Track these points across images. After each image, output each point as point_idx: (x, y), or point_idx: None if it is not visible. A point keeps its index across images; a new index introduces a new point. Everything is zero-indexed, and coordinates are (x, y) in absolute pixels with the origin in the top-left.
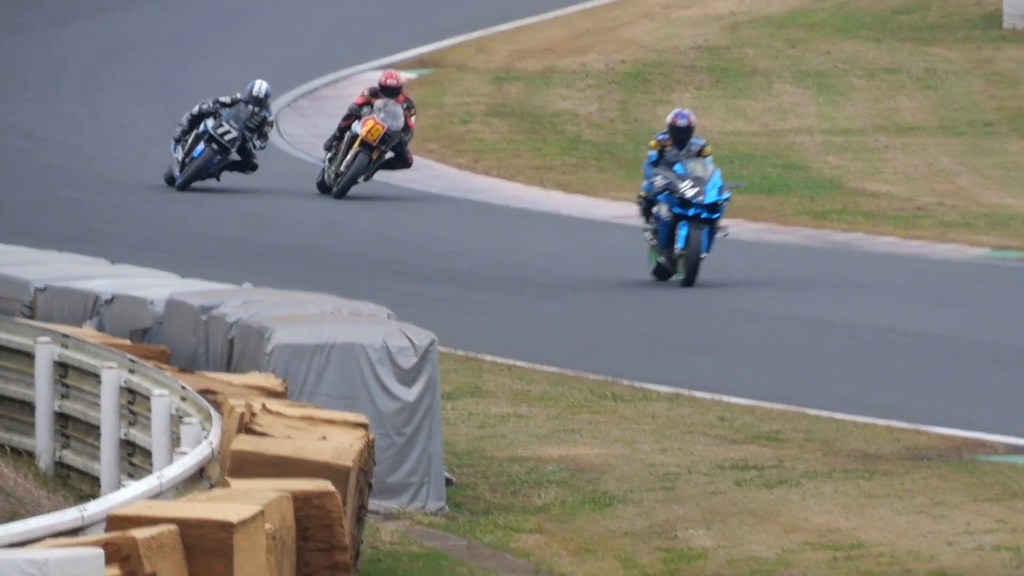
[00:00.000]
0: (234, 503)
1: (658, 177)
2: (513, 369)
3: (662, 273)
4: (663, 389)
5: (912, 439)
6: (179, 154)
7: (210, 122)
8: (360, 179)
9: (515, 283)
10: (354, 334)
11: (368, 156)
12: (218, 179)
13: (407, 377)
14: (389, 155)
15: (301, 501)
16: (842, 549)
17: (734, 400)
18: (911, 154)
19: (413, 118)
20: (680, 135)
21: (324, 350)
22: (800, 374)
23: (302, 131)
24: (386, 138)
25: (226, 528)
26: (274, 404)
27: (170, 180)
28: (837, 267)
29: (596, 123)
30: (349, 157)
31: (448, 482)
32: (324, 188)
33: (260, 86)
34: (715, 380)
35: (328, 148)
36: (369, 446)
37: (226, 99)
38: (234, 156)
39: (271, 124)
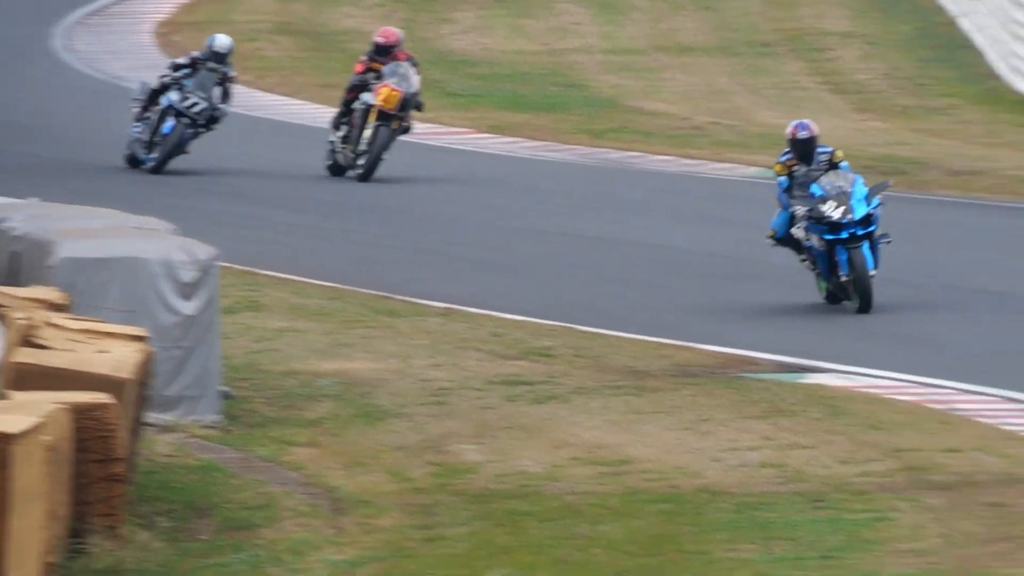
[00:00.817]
0: (13, 415)
1: (797, 207)
2: (290, 284)
3: (834, 299)
4: (438, 304)
5: (681, 356)
6: (144, 133)
7: (174, 95)
8: (385, 155)
9: (295, 199)
10: (137, 248)
11: (389, 128)
12: (187, 152)
13: (188, 291)
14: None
15: (79, 413)
16: (609, 465)
17: (507, 316)
18: (689, 74)
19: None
20: (804, 148)
21: (107, 264)
22: (573, 291)
23: (94, 48)
24: (404, 104)
25: (4, 439)
26: (56, 317)
27: (133, 161)
28: (613, 185)
29: None
30: (369, 133)
31: (225, 396)
32: (338, 170)
33: (222, 41)
34: (489, 296)
35: (337, 126)
36: (148, 359)
37: (184, 60)
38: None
39: (234, 80)
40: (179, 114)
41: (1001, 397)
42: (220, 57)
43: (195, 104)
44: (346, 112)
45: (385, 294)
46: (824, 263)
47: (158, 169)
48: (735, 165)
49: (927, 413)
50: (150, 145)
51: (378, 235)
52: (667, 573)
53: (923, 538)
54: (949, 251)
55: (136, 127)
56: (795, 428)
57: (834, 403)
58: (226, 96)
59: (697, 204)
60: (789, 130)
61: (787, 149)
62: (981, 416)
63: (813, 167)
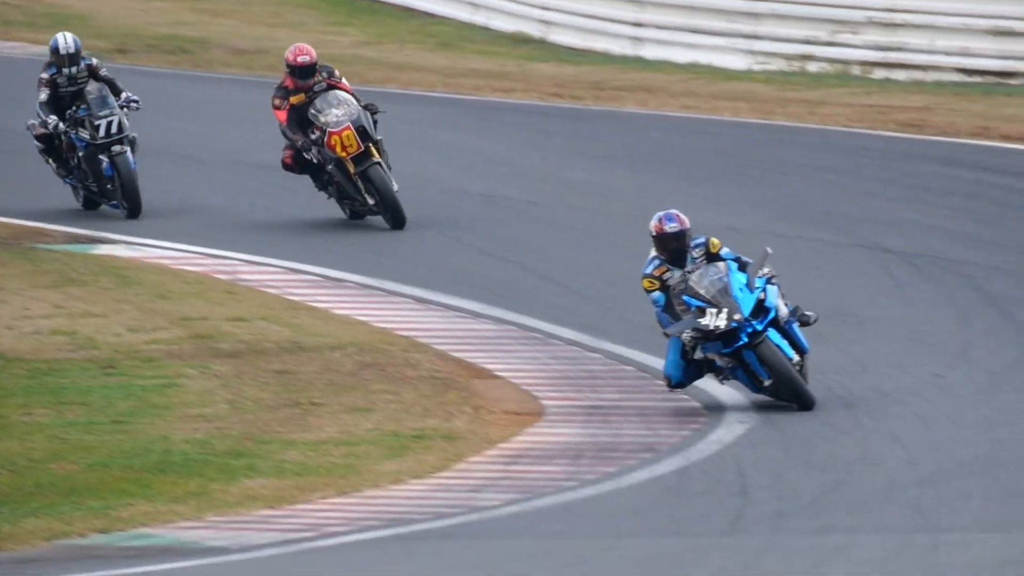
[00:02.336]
0: None
1: (682, 332)
2: None
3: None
4: None
5: None
6: (88, 184)
7: (84, 133)
8: (396, 185)
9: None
10: None
11: (373, 163)
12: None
13: None
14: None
15: None
16: None
17: None
18: None
19: (346, 81)
20: (676, 246)
21: None
22: None
23: None
24: (363, 133)
25: None
26: None
27: (91, 204)
28: None
29: None
30: (363, 184)
31: None
32: (357, 216)
33: (66, 42)
34: None
35: (326, 189)
36: None
37: (44, 77)
38: (133, 134)
39: (101, 67)
40: (106, 147)
41: (284, 268)
42: (73, 58)
43: (111, 123)
44: (317, 169)
45: None
46: (742, 377)
47: (138, 212)
48: (23, 44)
49: (214, 283)
50: (103, 193)
51: None
52: None
53: (211, 403)
54: (233, 128)
55: (68, 179)
56: (86, 297)
57: (124, 273)
58: (116, 92)
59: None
60: (653, 224)
61: (653, 252)
62: (266, 286)
63: (688, 269)
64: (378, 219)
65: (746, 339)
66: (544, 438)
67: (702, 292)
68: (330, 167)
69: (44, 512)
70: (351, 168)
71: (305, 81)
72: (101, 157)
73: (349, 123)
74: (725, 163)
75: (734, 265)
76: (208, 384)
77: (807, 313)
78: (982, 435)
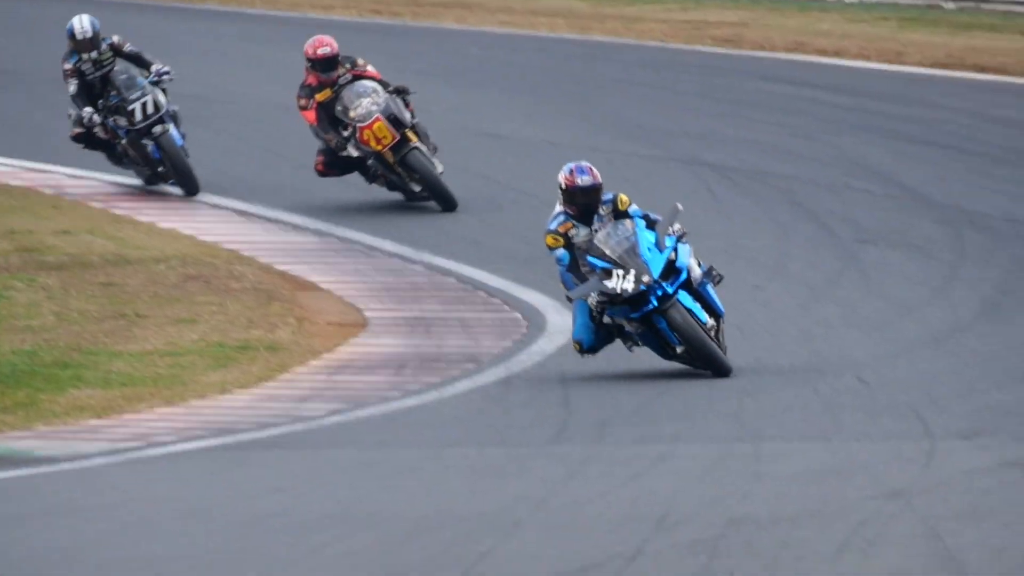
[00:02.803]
0: None
1: (587, 296)
2: None
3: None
4: None
5: None
6: (142, 169)
7: (121, 120)
8: (440, 167)
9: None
10: None
11: (411, 148)
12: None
13: None
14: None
15: None
16: None
17: None
18: None
19: (371, 67)
20: (586, 201)
21: None
22: None
23: None
24: (395, 121)
25: None
26: None
27: (154, 182)
28: None
29: None
30: (406, 172)
31: None
32: (415, 199)
33: (82, 26)
34: None
35: (373, 180)
36: None
37: (68, 68)
38: (173, 107)
39: (124, 43)
40: (147, 130)
41: (109, 182)
42: (93, 42)
43: (144, 104)
44: (358, 163)
45: None
46: (652, 343)
47: (195, 190)
48: None
49: (39, 197)
50: (157, 176)
51: None
52: None
53: (38, 315)
54: (54, 43)
55: (126, 165)
56: None
57: None
58: (143, 64)
59: None
60: (563, 176)
61: (559, 207)
62: (91, 200)
63: (596, 227)
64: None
65: (655, 303)
66: (367, 349)
67: (608, 252)
68: (370, 161)
69: None
70: (390, 159)
71: (328, 75)
72: (145, 141)
73: (379, 114)
74: (543, 79)
75: (642, 223)
76: (35, 296)
77: (718, 272)
78: (800, 347)
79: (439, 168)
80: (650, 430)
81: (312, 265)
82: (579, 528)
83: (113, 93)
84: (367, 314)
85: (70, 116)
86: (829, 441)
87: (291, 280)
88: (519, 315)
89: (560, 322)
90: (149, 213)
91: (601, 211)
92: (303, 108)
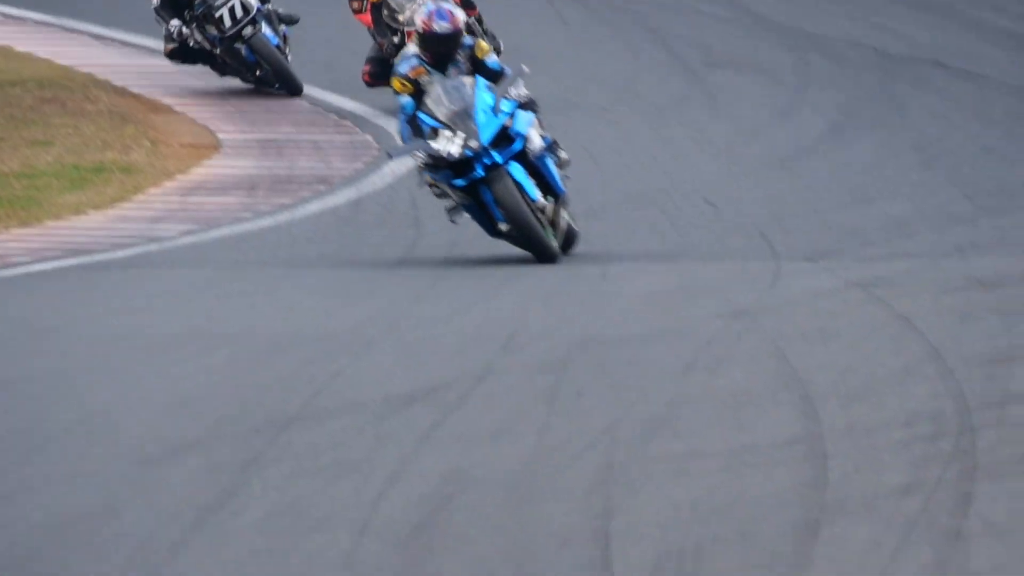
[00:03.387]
0: None
1: (410, 154)
2: None
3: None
4: None
5: None
6: (246, 76)
7: (211, 28)
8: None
9: None
10: None
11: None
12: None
13: None
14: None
15: None
16: None
17: None
18: None
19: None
20: (443, 49)
21: None
22: None
23: None
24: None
25: None
26: None
27: (256, 83)
28: None
29: None
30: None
31: None
32: None
33: None
34: None
35: None
36: None
37: None
38: (267, 6)
39: None
40: (234, 35)
41: None
42: None
43: (232, 7)
44: None
45: None
46: (478, 216)
47: (297, 90)
48: None
49: None
50: (259, 80)
51: None
52: None
53: None
54: None
55: (230, 73)
56: None
57: None
58: None
59: None
60: (419, 20)
61: (411, 48)
62: None
63: (449, 75)
64: None
65: (482, 172)
66: (220, 170)
67: (438, 112)
68: None
69: None
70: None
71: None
72: (237, 46)
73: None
74: None
75: (483, 82)
76: None
77: (562, 153)
78: (648, 169)
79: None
80: (497, 250)
81: (166, 87)
82: (429, 348)
83: (198, 1)
84: (220, 136)
85: (164, 32)
86: (676, 262)
87: (145, 102)
88: (370, 137)
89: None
90: (5, 36)
91: (459, 58)
92: (357, 11)
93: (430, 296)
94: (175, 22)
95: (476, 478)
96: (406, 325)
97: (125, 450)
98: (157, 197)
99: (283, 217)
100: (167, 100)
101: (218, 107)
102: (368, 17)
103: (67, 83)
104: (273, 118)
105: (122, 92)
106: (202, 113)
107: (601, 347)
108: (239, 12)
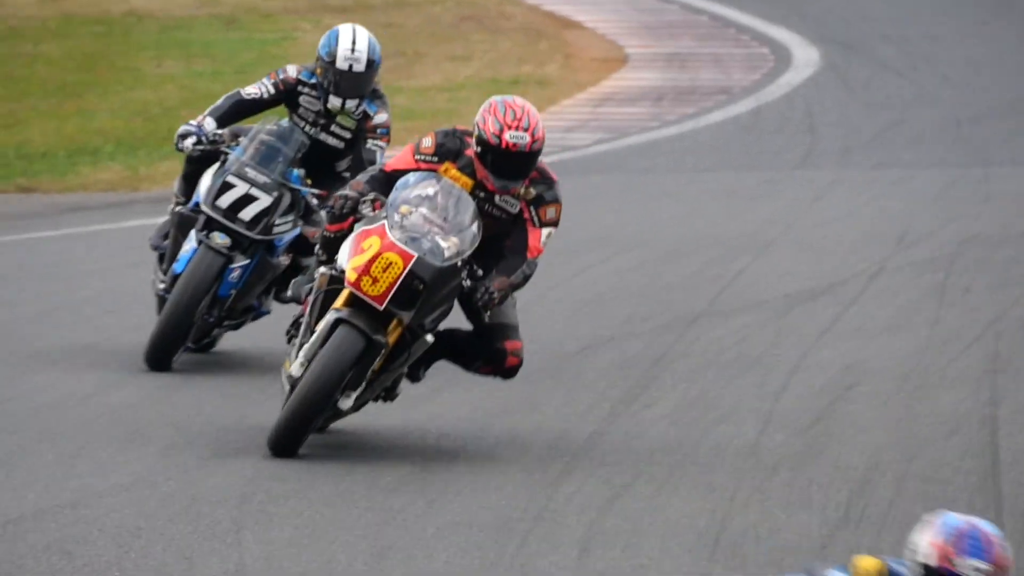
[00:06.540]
0: None
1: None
2: None
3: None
4: None
5: None
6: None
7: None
8: None
9: None
10: None
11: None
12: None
13: None
14: None
15: None
16: None
17: None
18: None
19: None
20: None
21: None
22: None
23: None
24: None
25: None
26: None
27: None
28: None
29: None
30: None
31: None
32: None
33: (357, 42)
34: None
35: None
36: None
37: (286, 78)
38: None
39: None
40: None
41: None
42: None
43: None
44: None
45: None
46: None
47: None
48: None
49: None
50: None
51: None
52: (103, 85)
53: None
54: None
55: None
56: None
57: None
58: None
59: None
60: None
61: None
62: None
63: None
64: None
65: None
66: (628, 83)
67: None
68: None
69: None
70: None
71: None
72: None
73: None
74: None
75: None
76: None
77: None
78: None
79: None
80: (888, 155)
81: (576, 5)
82: (826, 248)
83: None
84: (627, 50)
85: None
86: None
87: (557, 19)
88: (767, 50)
89: (804, 56)
90: None
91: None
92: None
93: (826, 197)
94: (211, 122)
95: (872, 369)
96: (803, 225)
97: (546, 344)
98: (570, 108)
99: (688, 125)
100: (577, 17)
101: (625, 23)
102: None
103: (483, 1)
104: (676, 32)
105: (535, 9)
106: (610, 28)
107: (985, 245)
108: (253, 212)
